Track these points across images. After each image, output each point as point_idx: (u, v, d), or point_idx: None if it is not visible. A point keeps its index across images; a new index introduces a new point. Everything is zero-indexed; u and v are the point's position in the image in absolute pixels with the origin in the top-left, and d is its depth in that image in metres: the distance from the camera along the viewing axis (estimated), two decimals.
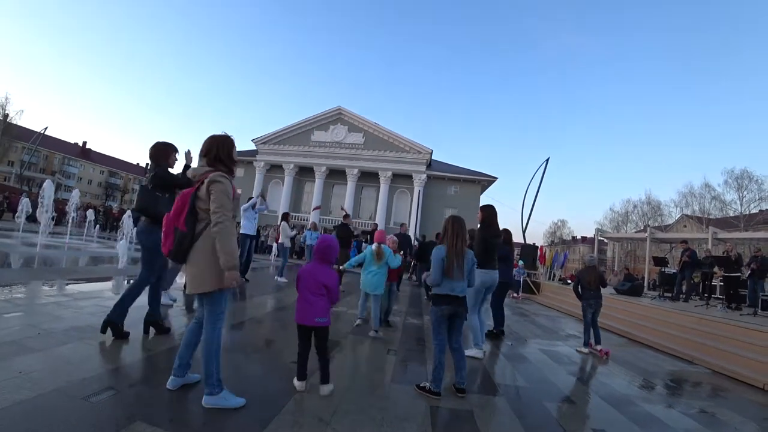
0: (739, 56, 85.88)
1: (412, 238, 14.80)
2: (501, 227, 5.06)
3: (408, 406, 2.73)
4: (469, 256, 3.27)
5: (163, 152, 3.66)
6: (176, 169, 3.78)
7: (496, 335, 5.75)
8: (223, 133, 2.54)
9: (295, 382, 2.76)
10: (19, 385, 2.23)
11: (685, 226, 38.12)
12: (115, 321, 3.32)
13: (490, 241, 4.72)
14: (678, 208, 41.61)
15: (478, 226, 4.85)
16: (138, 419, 2.02)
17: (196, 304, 2.59)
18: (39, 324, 3.42)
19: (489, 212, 4.88)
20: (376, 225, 10.21)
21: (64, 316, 3.81)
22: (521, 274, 14.23)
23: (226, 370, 2.49)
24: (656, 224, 40.69)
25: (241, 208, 7.86)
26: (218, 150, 2.48)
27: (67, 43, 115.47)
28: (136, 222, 3.73)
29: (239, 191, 3.09)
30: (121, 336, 3.33)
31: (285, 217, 10.35)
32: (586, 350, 5.49)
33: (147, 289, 3.57)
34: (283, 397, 2.58)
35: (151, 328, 3.62)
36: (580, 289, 5.74)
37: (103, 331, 3.29)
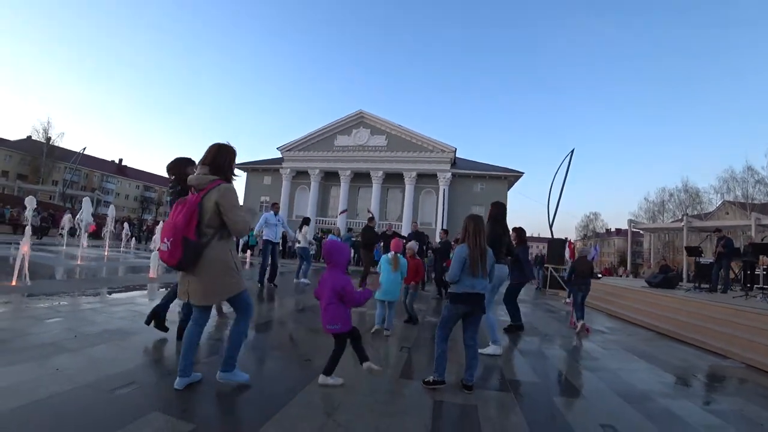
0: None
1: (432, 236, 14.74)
2: (519, 225, 5.94)
3: (413, 401, 2.79)
4: (490, 253, 3.30)
5: (182, 166, 3.88)
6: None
7: (514, 329, 5.73)
8: (227, 143, 2.66)
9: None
10: (55, 380, 2.50)
11: (727, 213, 35.79)
12: None
13: (499, 235, 4.79)
14: (719, 195, 39.11)
15: (487, 221, 4.90)
16: (155, 410, 2.22)
17: (195, 312, 2.68)
18: (76, 328, 3.73)
19: (499, 209, 5.00)
20: (394, 232, 10.30)
21: (98, 320, 4.13)
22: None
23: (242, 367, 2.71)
24: (695, 212, 38.55)
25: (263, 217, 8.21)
26: (222, 159, 2.58)
27: (100, 67, 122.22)
28: None
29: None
30: None
31: (306, 221, 10.62)
32: (579, 324, 6.28)
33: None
34: (292, 392, 2.71)
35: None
36: (573, 276, 6.66)
37: None
